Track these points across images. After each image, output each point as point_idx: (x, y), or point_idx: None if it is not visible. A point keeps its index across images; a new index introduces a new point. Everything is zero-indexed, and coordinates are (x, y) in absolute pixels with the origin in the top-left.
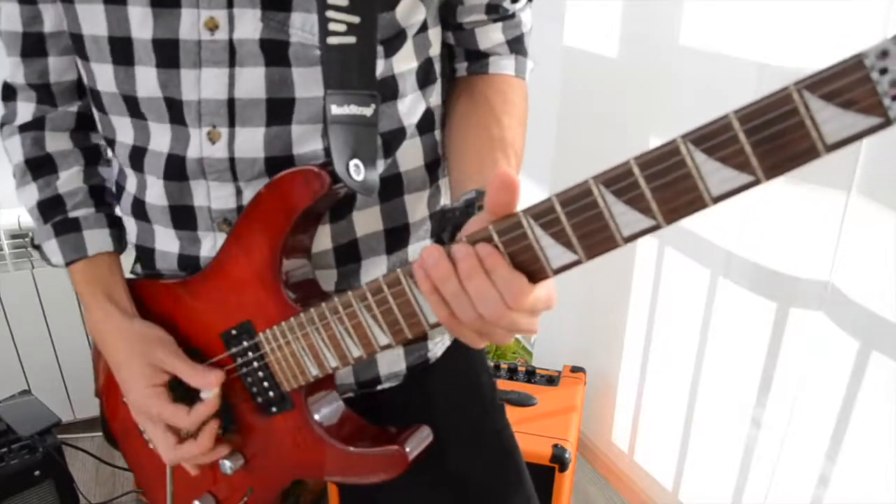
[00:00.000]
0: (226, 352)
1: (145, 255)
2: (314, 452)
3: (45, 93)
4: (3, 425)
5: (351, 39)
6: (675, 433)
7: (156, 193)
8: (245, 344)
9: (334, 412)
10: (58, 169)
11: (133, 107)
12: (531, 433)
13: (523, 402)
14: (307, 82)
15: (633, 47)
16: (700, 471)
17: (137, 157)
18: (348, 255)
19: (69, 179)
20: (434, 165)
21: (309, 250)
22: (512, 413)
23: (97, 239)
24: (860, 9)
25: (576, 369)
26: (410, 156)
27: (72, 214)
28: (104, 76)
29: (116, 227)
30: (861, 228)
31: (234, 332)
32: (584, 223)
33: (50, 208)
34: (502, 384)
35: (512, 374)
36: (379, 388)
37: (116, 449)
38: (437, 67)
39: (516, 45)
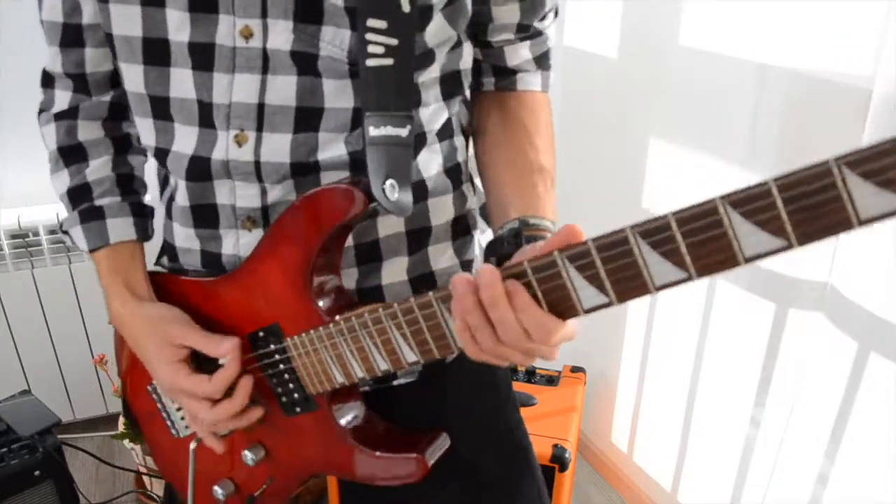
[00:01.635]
0: (252, 352)
1: (170, 250)
2: (335, 452)
3: (80, 82)
4: (3, 425)
5: (389, 61)
6: (675, 433)
7: (179, 194)
8: (272, 347)
9: (357, 415)
10: (88, 157)
11: (161, 108)
12: (531, 433)
13: (523, 402)
14: (337, 94)
15: (633, 47)
16: (699, 471)
17: (161, 157)
18: (369, 254)
19: (98, 168)
20: (454, 170)
21: (339, 261)
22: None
23: (120, 227)
24: (860, 9)
25: (576, 369)
26: (432, 161)
27: (97, 202)
28: (132, 76)
29: (141, 215)
30: (860, 229)
31: (261, 333)
32: (618, 269)
33: (78, 195)
34: None
35: (512, 374)
36: (395, 383)
37: (138, 433)
38: (465, 81)
39: (542, 61)
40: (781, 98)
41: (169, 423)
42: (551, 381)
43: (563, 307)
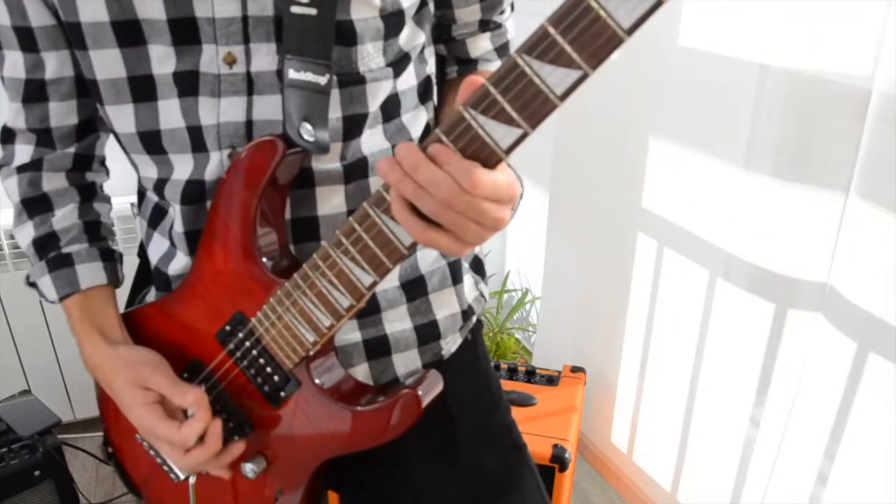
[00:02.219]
0: (224, 350)
1: (161, 279)
2: (331, 425)
3: (44, 136)
4: (3, 425)
5: (312, 11)
6: (675, 433)
7: (177, 221)
8: (240, 335)
9: (338, 377)
10: (53, 207)
11: (153, 144)
12: (531, 433)
13: (523, 402)
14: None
15: (633, 47)
16: (699, 471)
17: (160, 187)
18: None
19: (64, 216)
20: None
21: (281, 223)
22: (512, 413)
23: (90, 273)
24: (860, 9)
25: (576, 369)
26: None
27: (65, 250)
28: (123, 118)
29: (111, 260)
30: (859, 230)
31: (227, 328)
32: (519, 96)
33: (44, 245)
34: (502, 384)
35: (512, 374)
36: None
37: (130, 486)
38: (434, 82)
39: (503, 52)
40: (781, 98)
41: (166, 468)
42: (551, 381)
43: (484, 156)
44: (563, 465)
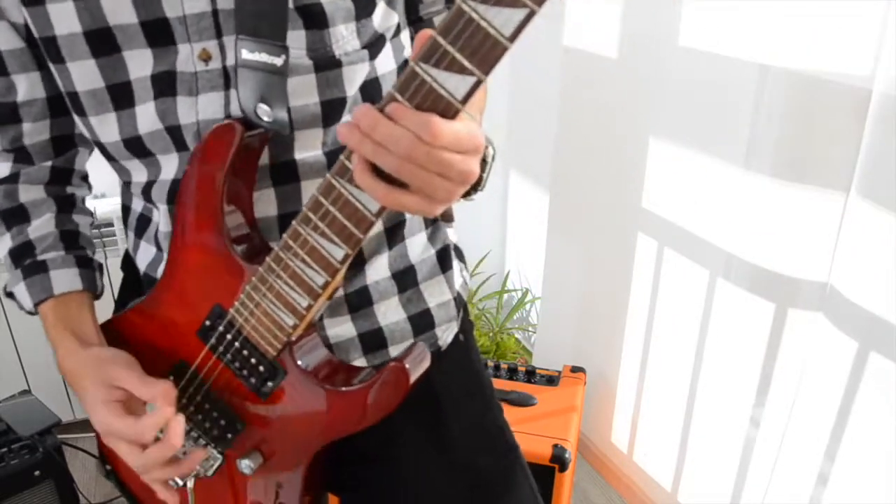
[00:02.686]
0: (206, 346)
1: (151, 284)
2: (320, 409)
3: (21, 154)
4: (3, 425)
5: None
6: (675, 433)
7: (163, 222)
8: (220, 329)
9: (323, 358)
10: (30, 217)
11: (138, 148)
12: (531, 433)
13: (523, 402)
14: (303, 91)
15: (633, 47)
16: (699, 471)
17: (148, 190)
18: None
19: (40, 226)
20: None
21: (248, 207)
22: (512, 413)
23: (64, 278)
24: (859, 9)
25: (576, 369)
26: None
27: (40, 257)
28: (107, 126)
29: (87, 268)
30: (860, 229)
31: (207, 323)
32: (468, 43)
33: (20, 254)
34: (502, 384)
35: (512, 374)
36: None
37: (132, 499)
38: None
39: None
40: (781, 98)
41: None
42: (551, 381)
43: (441, 108)
44: (563, 465)
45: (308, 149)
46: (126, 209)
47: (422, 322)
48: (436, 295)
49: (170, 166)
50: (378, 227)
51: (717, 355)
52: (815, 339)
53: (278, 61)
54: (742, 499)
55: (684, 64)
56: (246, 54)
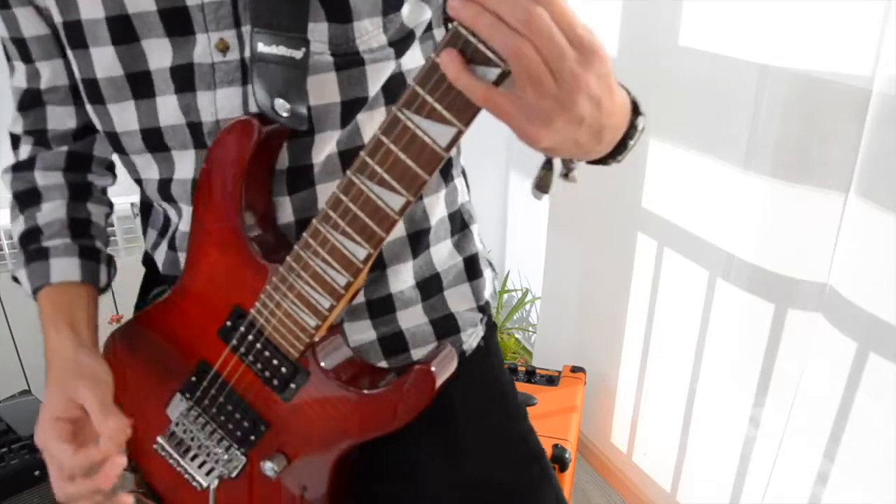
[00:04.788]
0: (227, 346)
1: (172, 282)
2: (343, 411)
3: (41, 137)
4: (3, 425)
5: None
6: (675, 433)
7: (184, 222)
8: (242, 329)
9: (346, 358)
10: (41, 201)
11: (155, 140)
12: None
13: (523, 402)
14: (322, 88)
15: (633, 47)
16: (699, 471)
17: (164, 188)
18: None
19: (50, 211)
20: (445, 165)
21: (267, 204)
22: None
23: (63, 267)
24: (860, 9)
25: (576, 369)
26: None
27: (45, 244)
28: (126, 114)
29: (90, 259)
30: (859, 230)
31: (228, 323)
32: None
33: (28, 239)
34: None
35: (512, 374)
36: None
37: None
38: None
39: None
40: (781, 98)
41: (188, 476)
42: (551, 381)
43: None
44: (563, 465)
45: (325, 151)
46: (147, 206)
47: (446, 325)
48: (461, 302)
49: (186, 164)
50: (400, 231)
51: (716, 355)
52: (814, 340)
53: (298, 54)
54: (741, 499)
55: (684, 64)
56: (262, 47)
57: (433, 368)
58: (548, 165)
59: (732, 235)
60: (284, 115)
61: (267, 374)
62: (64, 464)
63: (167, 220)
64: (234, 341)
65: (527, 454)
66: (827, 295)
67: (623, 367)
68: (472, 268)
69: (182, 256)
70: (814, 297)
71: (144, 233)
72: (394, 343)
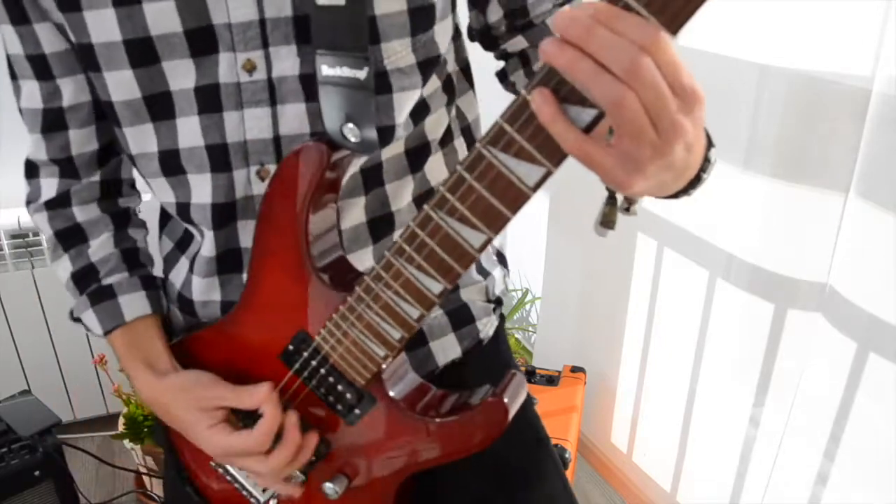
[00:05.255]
0: (290, 371)
1: (186, 304)
2: (410, 438)
3: (67, 166)
4: (3, 425)
5: (340, 1)
6: (675, 433)
7: (206, 246)
8: (305, 355)
9: (414, 385)
10: (88, 238)
11: (173, 163)
12: None
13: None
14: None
15: None
16: (699, 471)
17: (184, 212)
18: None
19: (100, 247)
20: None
21: (333, 231)
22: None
23: (133, 304)
24: (860, 9)
25: (576, 369)
26: (438, 166)
27: (105, 282)
28: (143, 138)
29: (153, 288)
30: (859, 230)
31: (290, 348)
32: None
33: (84, 278)
34: None
35: None
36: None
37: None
38: (456, 82)
39: None
40: (781, 98)
41: (245, 493)
42: (551, 381)
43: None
44: (563, 465)
45: (348, 171)
46: (165, 215)
47: (460, 315)
48: (475, 295)
49: (203, 188)
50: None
51: (716, 355)
52: (814, 340)
53: (361, 74)
54: (741, 499)
55: (684, 63)
56: (326, 70)
57: (506, 400)
58: (611, 201)
59: (732, 235)
60: (353, 140)
61: (331, 399)
62: (253, 448)
63: (188, 234)
64: (298, 365)
65: (535, 438)
66: (827, 295)
67: (623, 367)
68: (481, 268)
69: (197, 280)
70: (814, 297)
71: (160, 239)
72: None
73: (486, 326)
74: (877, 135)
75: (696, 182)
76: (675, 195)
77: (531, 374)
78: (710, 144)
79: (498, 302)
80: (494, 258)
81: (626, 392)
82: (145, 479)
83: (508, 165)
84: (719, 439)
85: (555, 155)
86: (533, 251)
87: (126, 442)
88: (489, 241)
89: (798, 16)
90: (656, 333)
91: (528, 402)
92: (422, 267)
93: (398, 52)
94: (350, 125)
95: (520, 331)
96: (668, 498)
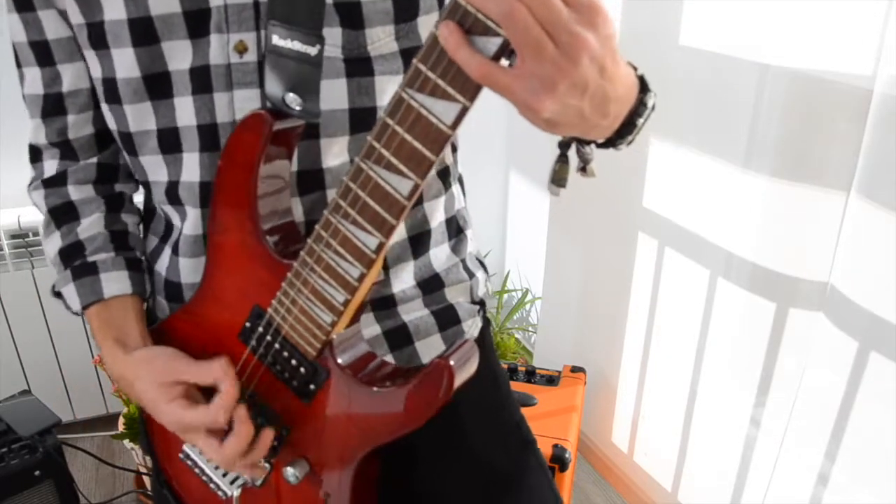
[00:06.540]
0: (248, 348)
1: (173, 290)
2: (364, 411)
3: (66, 148)
4: (3, 425)
5: None
6: (675, 433)
7: (188, 225)
8: (260, 330)
9: (363, 357)
10: (80, 216)
11: (170, 141)
12: None
13: (523, 402)
14: (330, 95)
15: (633, 46)
16: (699, 471)
17: (172, 190)
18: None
19: (90, 225)
20: (444, 172)
21: (285, 200)
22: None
23: (114, 282)
24: (860, 9)
25: (576, 369)
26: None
27: (90, 259)
28: (142, 115)
29: (137, 270)
30: (860, 229)
31: (247, 325)
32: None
33: (70, 254)
34: None
35: (512, 374)
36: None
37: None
38: None
39: None
40: (781, 98)
41: (213, 486)
42: (551, 381)
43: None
44: (563, 465)
45: (335, 157)
46: (150, 212)
47: (447, 316)
48: (459, 297)
49: (193, 166)
50: (402, 234)
51: (717, 355)
52: (815, 339)
53: (312, 51)
54: (742, 499)
55: (685, 63)
56: (277, 40)
57: (452, 362)
58: (563, 158)
59: (733, 235)
60: (297, 108)
61: (286, 375)
62: (208, 422)
63: (169, 225)
64: (254, 342)
65: (521, 440)
66: (828, 294)
67: (623, 367)
68: (467, 269)
69: (184, 262)
70: (815, 296)
71: (145, 238)
72: (398, 335)
73: (472, 328)
74: (878, 134)
75: (630, 127)
76: (612, 141)
77: (531, 374)
78: (646, 89)
79: (482, 304)
80: (477, 262)
81: (627, 392)
82: (145, 479)
83: (426, 105)
84: (720, 439)
85: (467, 88)
86: (533, 251)
87: (126, 442)
88: (417, 187)
89: (799, 15)
90: (657, 333)
91: (514, 405)
92: (357, 222)
93: (381, 39)
94: (292, 95)
95: (520, 331)
96: (669, 498)
